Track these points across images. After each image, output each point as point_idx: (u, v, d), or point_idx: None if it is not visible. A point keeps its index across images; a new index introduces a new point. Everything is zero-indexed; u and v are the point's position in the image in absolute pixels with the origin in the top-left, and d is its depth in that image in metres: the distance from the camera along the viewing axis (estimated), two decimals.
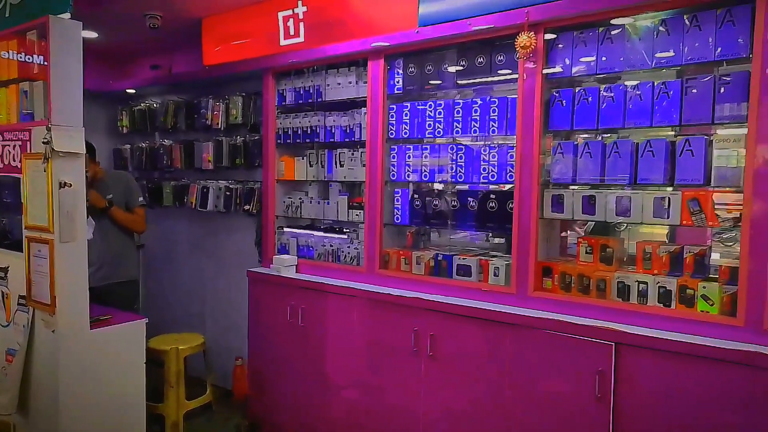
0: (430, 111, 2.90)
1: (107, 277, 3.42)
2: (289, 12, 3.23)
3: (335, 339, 3.10)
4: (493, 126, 2.68)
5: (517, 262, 2.56)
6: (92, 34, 3.93)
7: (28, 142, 2.68)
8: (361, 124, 3.16)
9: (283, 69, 3.46)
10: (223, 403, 3.86)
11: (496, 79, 2.69)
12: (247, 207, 3.83)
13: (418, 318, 2.74)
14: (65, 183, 2.57)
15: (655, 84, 2.24)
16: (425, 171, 2.95)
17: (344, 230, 3.36)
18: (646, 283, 2.28)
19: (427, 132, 2.92)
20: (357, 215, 3.20)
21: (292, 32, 3.25)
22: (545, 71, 2.48)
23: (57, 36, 2.51)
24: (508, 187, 2.71)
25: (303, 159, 3.48)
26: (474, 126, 2.75)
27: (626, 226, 2.57)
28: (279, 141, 3.55)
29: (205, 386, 3.79)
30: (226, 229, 4.16)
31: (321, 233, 3.45)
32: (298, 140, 3.47)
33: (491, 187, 2.79)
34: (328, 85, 3.29)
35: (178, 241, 4.46)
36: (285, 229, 3.61)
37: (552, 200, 2.51)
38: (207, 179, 4.10)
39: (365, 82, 3.09)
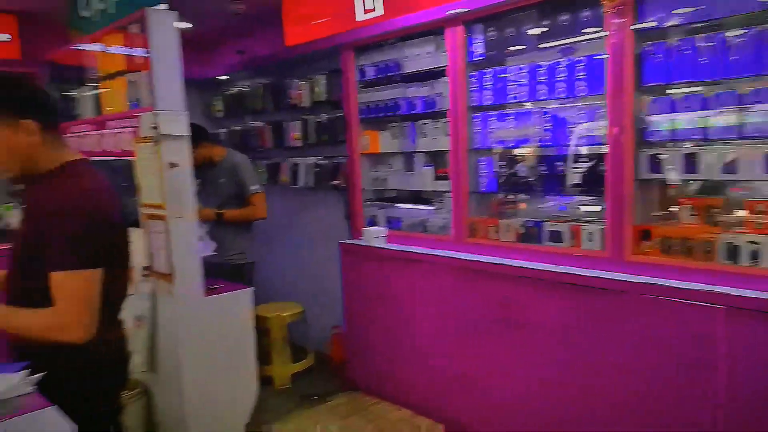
0: (513, 76, 2.84)
1: (222, 258, 3.50)
2: None
3: (426, 307, 3.18)
4: (580, 86, 2.59)
5: (612, 226, 2.48)
6: (186, 25, 4.17)
7: (138, 128, 2.93)
8: (442, 94, 3.16)
9: (362, 44, 3.51)
10: (324, 368, 4.09)
11: (581, 38, 2.58)
12: (335, 182, 3.97)
13: (508, 285, 2.75)
14: (173, 163, 2.80)
15: (761, 29, 2.06)
16: (510, 137, 2.92)
17: (430, 200, 3.40)
18: (758, 243, 2.14)
19: (510, 97, 2.87)
20: (443, 185, 3.23)
21: (369, 5, 3.28)
22: (635, 26, 2.35)
23: (154, 26, 2.71)
24: (599, 149, 2.62)
25: (386, 132, 3.54)
26: (560, 88, 2.67)
27: (733, 185, 2.42)
28: (362, 116, 3.62)
29: (306, 351, 4.04)
30: (316, 203, 4.34)
31: (408, 204, 3.52)
32: (380, 114, 3.53)
33: (581, 149, 2.71)
34: (407, 56, 3.31)
35: (275, 216, 4.69)
36: (372, 202, 3.72)
37: (648, 160, 2.40)
38: (296, 157, 4.29)
39: (444, 51, 3.07)
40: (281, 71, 4.34)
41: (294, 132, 4.22)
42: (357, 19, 3.34)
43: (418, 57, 3.24)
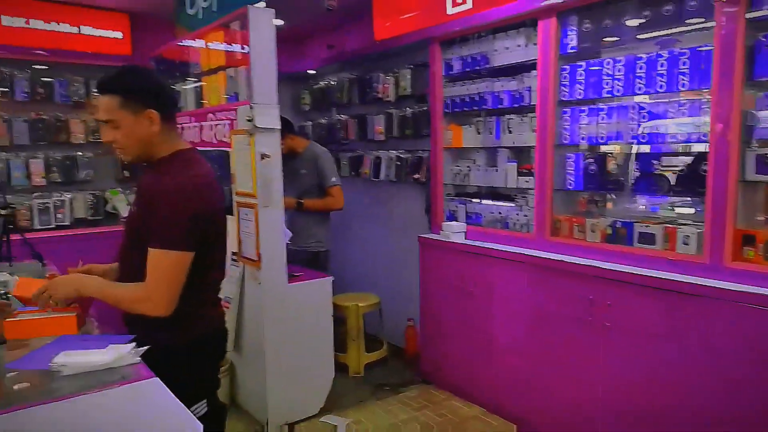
0: (608, 69, 2.73)
1: (298, 245, 3.68)
2: None
3: (503, 304, 3.14)
4: (683, 80, 2.44)
5: (711, 230, 2.33)
6: (279, 22, 4.35)
7: (234, 121, 3.10)
8: (530, 88, 3.09)
9: (450, 37, 3.49)
10: (397, 359, 4.15)
11: (685, 28, 2.43)
12: (416, 176, 3.99)
13: (593, 286, 2.65)
14: (265, 155, 2.94)
15: None
16: (601, 133, 2.80)
17: (513, 197, 3.34)
18: None
19: (604, 92, 2.76)
20: (526, 182, 3.16)
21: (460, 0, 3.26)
22: (748, 14, 2.18)
23: (254, 23, 2.86)
24: (699, 147, 2.46)
25: (470, 126, 3.51)
26: (660, 82, 2.53)
27: None
28: (446, 110, 3.62)
29: (380, 342, 4.11)
30: (396, 196, 4.39)
31: (489, 200, 3.48)
32: (465, 108, 3.50)
33: (679, 147, 2.56)
34: (496, 50, 3.26)
35: (355, 208, 4.81)
36: (453, 197, 3.71)
37: (755, 160, 2.23)
38: (379, 150, 4.36)
39: (535, 44, 3.00)
40: (367, 65, 4.41)
41: (378, 125, 4.29)
42: (448, 13, 3.34)
43: (507, 50, 3.19)
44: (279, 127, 2.98)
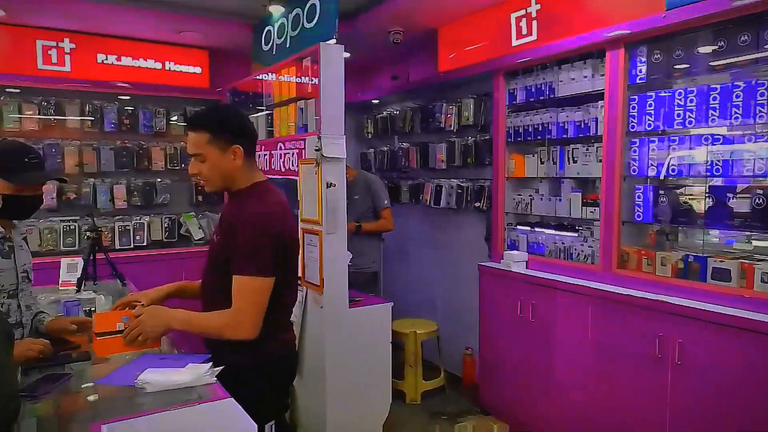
0: (679, 99, 2.67)
1: (357, 266, 3.79)
2: (522, 12, 3.29)
3: (566, 337, 3.07)
4: (761, 111, 2.36)
5: None
6: (346, 54, 4.52)
7: (303, 150, 3.24)
8: (597, 118, 3.06)
9: (514, 68, 3.52)
10: (454, 388, 4.11)
11: (762, 54, 2.35)
12: (477, 204, 4.00)
13: (663, 323, 2.55)
14: (331, 183, 3.05)
15: None
16: (672, 164, 2.73)
17: (577, 227, 3.29)
18: None
19: (675, 123, 2.69)
20: (591, 212, 3.11)
21: (524, 32, 3.30)
22: None
23: (325, 59, 3.00)
24: None
25: (533, 156, 3.50)
26: (735, 113, 2.45)
27: None
28: (509, 139, 3.63)
29: (437, 370, 4.09)
30: (456, 224, 4.40)
31: (552, 230, 3.43)
32: (528, 138, 3.50)
33: (756, 180, 2.46)
34: (561, 80, 3.26)
35: (413, 235, 4.86)
36: (514, 226, 3.69)
37: None
38: (440, 178, 4.40)
39: (602, 75, 2.98)
40: (430, 95, 4.50)
41: (440, 154, 4.34)
42: (513, 45, 3.38)
43: (573, 81, 3.18)
44: (345, 156, 3.09)
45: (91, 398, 1.54)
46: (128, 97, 4.53)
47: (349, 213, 3.75)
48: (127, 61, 4.42)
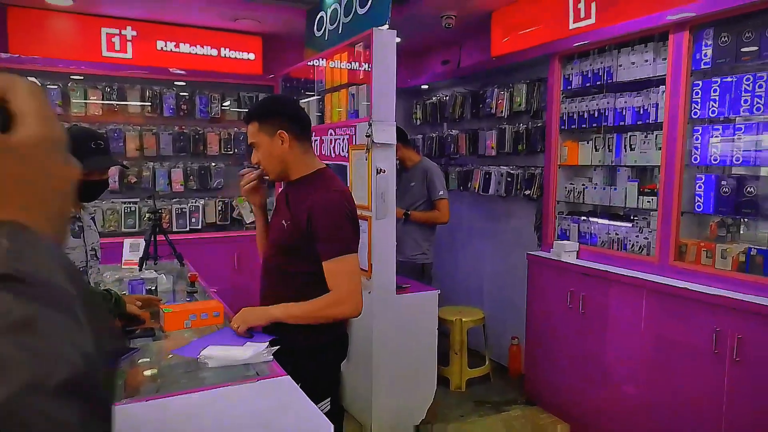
0: (747, 85, 2.53)
1: (406, 256, 3.76)
2: None
3: (617, 329, 3.00)
4: None
5: None
6: (397, 39, 4.51)
7: (354, 136, 3.27)
8: (657, 105, 2.94)
9: (570, 52, 3.42)
10: (499, 377, 4.09)
11: None
12: (527, 192, 3.94)
13: (722, 317, 2.46)
14: (380, 169, 3.07)
15: None
16: (737, 153, 2.60)
17: (632, 217, 3.19)
18: None
19: (741, 109, 2.56)
20: (648, 202, 3.01)
21: (582, 14, 3.20)
22: None
23: (378, 45, 3.00)
24: None
25: (588, 143, 3.41)
26: None
27: None
28: (563, 126, 3.54)
29: (483, 358, 4.08)
30: (505, 212, 4.35)
31: (605, 220, 3.35)
32: (583, 124, 3.41)
33: None
34: (620, 65, 3.15)
35: (462, 222, 4.84)
36: (565, 215, 3.61)
37: None
38: (489, 165, 4.35)
39: (664, 59, 2.86)
40: (481, 80, 4.43)
41: (490, 140, 4.29)
42: (570, 28, 3.29)
43: (633, 66, 3.07)
44: (395, 142, 3.10)
45: (147, 373, 1.64)
46: (185, 84, 4.67)
47: (402, 200, 3.76)
48: (184, 47, 4.56)
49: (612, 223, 3.30)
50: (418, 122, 5.25)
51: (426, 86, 5.14)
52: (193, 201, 4.73)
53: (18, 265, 0.34)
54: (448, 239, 5.01)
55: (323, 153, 3.60)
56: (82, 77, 4.33)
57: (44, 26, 4.14)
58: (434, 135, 5.05)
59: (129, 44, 4.39)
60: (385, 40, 3.00)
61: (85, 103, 4.34)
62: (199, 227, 4.72)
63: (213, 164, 4.83)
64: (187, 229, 4.67)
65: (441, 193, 3.81)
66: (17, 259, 0.34)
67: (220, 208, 4.85)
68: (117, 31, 4.34)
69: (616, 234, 3.23)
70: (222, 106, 4.80)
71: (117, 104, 4.46)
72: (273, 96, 1.96)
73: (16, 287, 0.33)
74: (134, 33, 4.39)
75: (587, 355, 3.18)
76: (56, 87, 4.26)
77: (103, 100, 4.40)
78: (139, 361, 1.73)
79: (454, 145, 4.73)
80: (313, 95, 3.98)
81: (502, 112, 4.14)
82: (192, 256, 3.50)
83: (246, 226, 4.84)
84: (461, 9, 3.87)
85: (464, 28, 4.32)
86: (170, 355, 1.70)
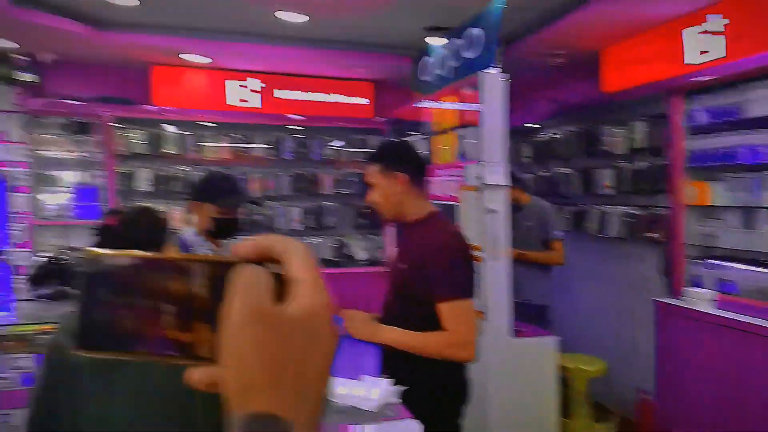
0: None
1: (522, 298, 3.62)
2: (701, 27, 3.02)
3: (766, 390, 2.68)
4: None
5: None
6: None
7: (464, 177, 3.28)
8: None
9: (692, 87, 3.23)
10: None
11: None
12: (650, 234, 3.70)
13: None
14: (491, 210, 3.05)
15: None
16: None
17: None
18: None
19: None
20: None
21: (704, 47, 3.02)
22: None
23: (486, 87, 3.03)
24: None
25: (718, 183, 3.16)
26: None
27: None
28: (689, 164, 3.31)
29: (606, 411, 3.80)
30: (625, 255, 4.10)
31: (746, 266, 3.04)
32: (711, 162, 3.17)
33: None
34: (751, 99, 2.91)
35: (576, 264, 4.62)
36: (695, 259, 3.33)
37: None
38: (603, 204, 4.16)
39: None
40: (593, 117, 4.29)
41: (605, 180, 4.11)
42: (686, 62, 3.12)
43: (767, 100, 2.83)
44: (507, 184, 3.07)
45: None
46: (302, 128, 4.99)
47: (515, 240, 3.69)
48: (302, 95, 4.88)
49: (755, 269, 2.98)
50: (527, 161, 5.16)
51: (533, 125, 5.07)
52: (309, 239, 4.97)
53: None
54: (562, 282, 4.80)
55: (431, 193, 3.65)
56: (214, 125, 4.78)
57: (182, 81, 4.65)
58: (544, 174, 4.94)
59: (253, 94, 4.79)
60: (493, 82, 3.02)
61: (216, 147, 4.77)
62: None
63: (326, 203, 5.06)
64: None
65: (557, 233, 3.70)
66: None
67: (333, 245, 5.05)
68: (244, 83, 4.76)
69: (762, 282, 2.91)
70: (335, 148, 5.06)
71: (243, 149, 4.85)
72: (396, 141, 2.05)
73: None
74: (258, 84, 4.78)
75: (728, 417, 2.86)
76: (191, 134, 4.73)
77: (231, 144, 4.82)
78: None
79: (565, 184, 4.59)
80: (419, 136, 4.07)
81: (618, 149, 3.96)
82: None
83: (357, 263, 5.01)
84: (569, 48, 3.81)
85: (572, 67, 4.24)
86: None
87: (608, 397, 3.81)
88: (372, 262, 5.00)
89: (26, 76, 4.19)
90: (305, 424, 0.35)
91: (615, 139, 4.00)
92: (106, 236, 1.38)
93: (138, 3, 3.43)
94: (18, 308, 3.12)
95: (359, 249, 5.03)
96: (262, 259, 0.39)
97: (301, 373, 0.36)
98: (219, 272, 0.38)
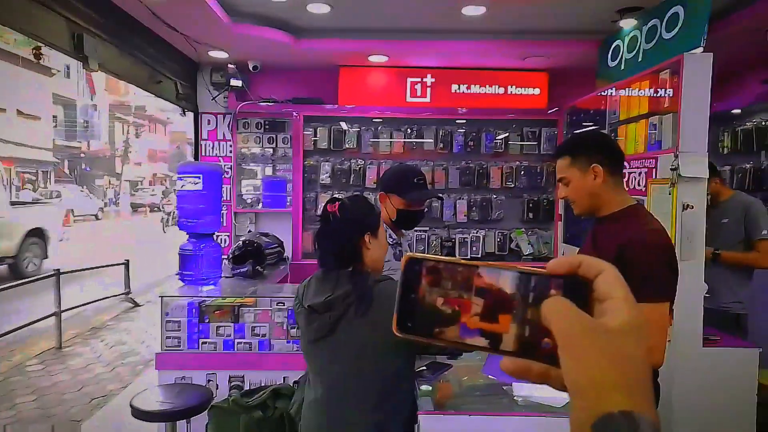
0: None
1: (716, 304, 3.27)
2: None
3: None
4: None
5: None
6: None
7: (654, 169, 3.03)
8: None
9: None
10: None
11: None
12: None
13: None
14: (688, 205, 2.78)
15: None
16: None
17: None
18: None
19: None
20: None
21: None
22: None
23: (689, 70, 2.75)
24: None
25: None
26: None
27: None
28: None
29: None
30: None
31: None
32: None
33: None
34: None
35: None
36: None
37: None
38: None
39: None
40: None
41: None
42: None
43: None
44: (707, 176, 2.78)
45: (457, 389, 1.77)
46: (473, 121, 5.01)
47: (714, 239, 3.32)
48: (475, 89, 4.90)
49: None
50: (726, 151, 4.58)
51: (737, 111, 4.48)
52: (475, 231, 4.99)
53: None
54: (767, 288, 4.20)
55: None
56: (386, 120, 5.02)
57: (364, 80, 4.95)
58: (748, 166, 4.34)
59: (428, 90, 4.93)
60: (699, 64, 2.74)
61: (391, 142, 5.02)
62: (479, 256, 4.95)
63: (494, 197, 5.03)
64: (468, 257, 4.93)
65: (765, 232, 3.23)
66: None
67: (498, 239, 5.01)
68: (419, 79, 4.91)
69: None
70: (507, 140, 5.00)
71: (415, 143, 5.03)
72: (585, 131, 1.95)
73: None
74: (433, 80, 4.90)
75: None
76: (369, 130, 5.03)
77: (404, 139, 5.02)
78: (449, 377, 1.90)
79: None
80: (599, 127, 3.83)
81: None
82: None
83: (523, 257, 4.91)
84: None
85: None
86: (481, 378, 1.82)
87: None
88: (537, 257, 4.87)
89: (236, 83, 4.81)
90: (650, 415, 0.39)
91: None
92: (328, 220, 1.58)
93: (329, 10, 3.74)
94: (221, 283, 3.62)
95: (525, 243, 4.92)
96: (573, 273, 0.43)
97: (636, 374, 0.40)
98: (534, 281, 0.43)
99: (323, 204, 1.63)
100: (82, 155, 32.17)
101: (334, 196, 1.55)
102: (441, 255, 3.59)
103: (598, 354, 0.39)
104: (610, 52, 3.88)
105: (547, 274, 0.43)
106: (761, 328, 4.11)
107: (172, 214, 17.71)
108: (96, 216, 23.34)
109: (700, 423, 2.77)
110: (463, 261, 0.45)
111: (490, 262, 0.46)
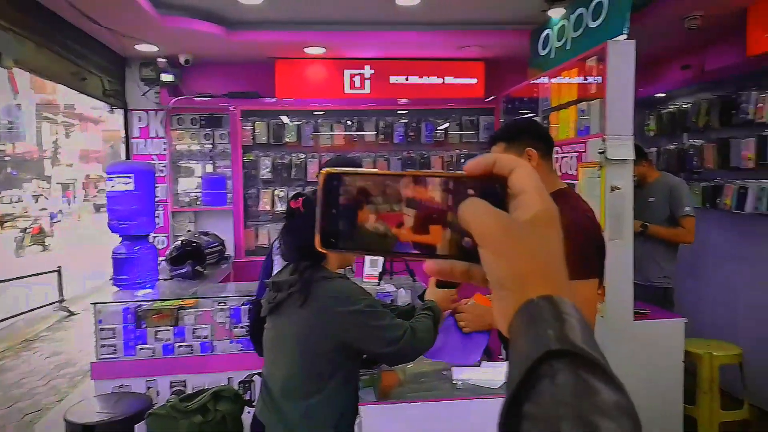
0: None
1: (645, 279, 3.49)
2: None
3: None
4: None
5: None
6: None
7: (583, 153, 3.15)
8: None
9: None
10: (763, 426, 3.48)
11: None
12: None
13: None
14: (615, 187, 2.90)
15: None
16: None
17: None
18: None
19: None
20: None
21: None
22: None
23: (614, 57, 2.86)
24: None
25: None
26: None
27: None
28: None
29: (738, 401, 3.52)
30: (766, 233, 3.72)
31: None
32: None
33: None
34: None
35: (707, 243, 4.27)
36: None
37: None
38: (744, 179, 3.78)
39: None
40: (734, 84, 3.89)
41: (746, 150, 3.73)
42: None
43: None
44: (633, 158, 2.91)
45: (401, 376, 1.79)
46: (412, 112, 5.04)
47: (642, 218, 3.48)
48: (413, 79, 4.93)
49: None
50: (652, 134, 4.81)
51: (661, 95, 4.71)
52: None
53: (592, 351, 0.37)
54: (689, 262, 4.46)
55: None
56: (327, 113, 4.98)
57: (302, 73, 4.88)
58: (672, 147, 4.58)
59: (367, 81, 4.92)
60: (623, 51, 2.85)
61: (332, 135, 4.98)
62: None
63: None
64: None
65: (688, 209, 3.43)
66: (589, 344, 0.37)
67: None
68: (358, 70, 4.89)
69: None
70: (446, 130, 5.06)
71: (356, 134, 5.01)
72: (520, 118, 2.00)
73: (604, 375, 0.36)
74: (372, 71, 4.90)
75: None
76: (310, 123, 4.97)
77: (345, 131, 5.00)
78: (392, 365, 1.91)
79: (698, 157, 4.23)
80: (534, 115, 3.95)
81: (762, 117, 3.58)
82: (422, 273, 3.73)
83: None
84: (710, 8, 3.47)
85: (710, 29, 3.85)
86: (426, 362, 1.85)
87: (742, 387, 3.49)
88: None
89: (167, 77, 4.64)
90: (569, 297, 0.41)
91: (759, 105, 3.61)
92: (293, 216, 1.58)
93: (261, 1, 3.66)
94: (159, 286, 3.50)
95: None
96: (488, 174, 0.44)
97: (553, 260, 0.43)
98: (451, 185, 0.44)
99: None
100: (7, 158, 30.27)
101: (298, 192, 1.58)
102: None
103: (514, 247, 0.41)
104: (541, 41, 3.99)
105: (464, 176, 0.44)
106: (686, 300, 4.38)
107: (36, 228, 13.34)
108: None
109: (632, 391, 2.82)
110: (380, 172, 0.45)
111: (408, 171, 0.46)
